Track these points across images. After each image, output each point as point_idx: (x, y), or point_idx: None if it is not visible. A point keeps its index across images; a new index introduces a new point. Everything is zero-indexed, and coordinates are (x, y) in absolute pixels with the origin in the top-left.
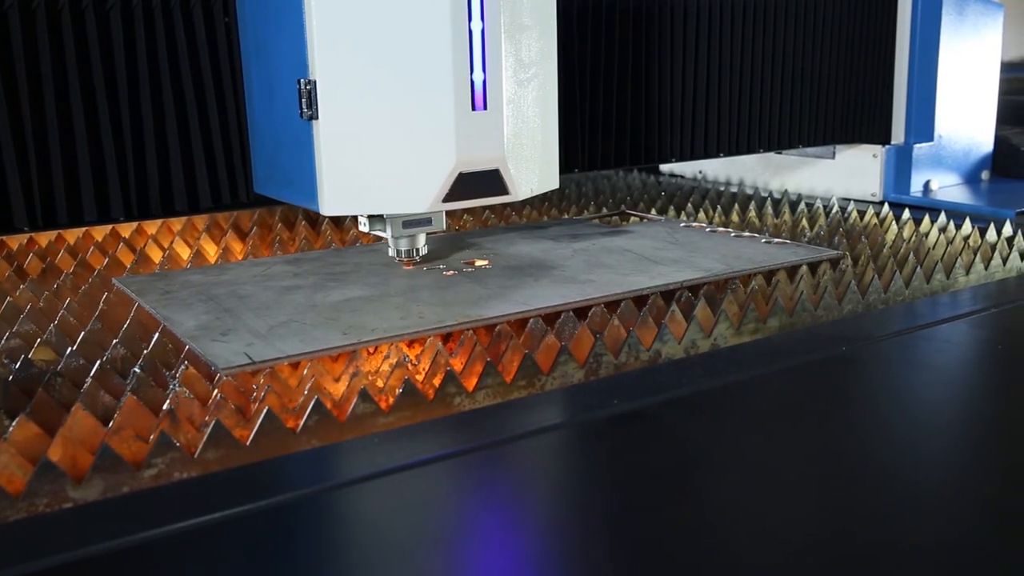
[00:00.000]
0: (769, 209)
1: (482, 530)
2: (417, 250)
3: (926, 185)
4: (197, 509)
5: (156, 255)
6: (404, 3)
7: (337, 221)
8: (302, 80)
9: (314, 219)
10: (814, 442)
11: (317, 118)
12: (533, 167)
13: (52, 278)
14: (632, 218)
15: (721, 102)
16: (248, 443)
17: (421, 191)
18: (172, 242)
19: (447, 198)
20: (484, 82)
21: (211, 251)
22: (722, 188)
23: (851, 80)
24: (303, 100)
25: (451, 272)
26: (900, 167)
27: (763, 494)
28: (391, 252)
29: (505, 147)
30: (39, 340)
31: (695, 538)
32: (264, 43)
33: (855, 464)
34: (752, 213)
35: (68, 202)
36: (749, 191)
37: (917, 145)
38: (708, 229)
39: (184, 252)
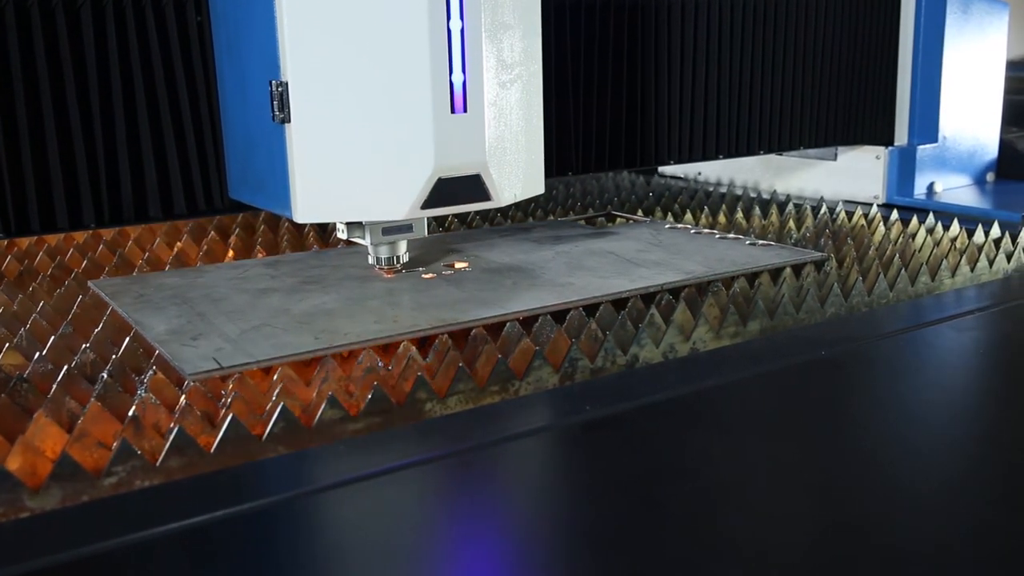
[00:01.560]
0: (757, 211)
1: (450, 539)
2: (398, 258)
3: (930, 187)
4: (157, 518)
5: (137, 257)
6: (380, 1)
7: (321, 224)
8: (274, 81)
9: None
10: (792, 447)
11: (289, 121)
12: (517, 172)
13: (29, 281)
14: (618, 220)
15: (720, 103)
16: (212, 450)
17: (398, 197)
18: (153, 244)
19: (426, 204)
20: (464, 83)
21: (192, 253)
22: (710, 189)
23: (853, 80)
24: (275, 102)
25: (430, 275)
26: (903, 169)
27: (740, 500)
28: (371, 260)
29: (487, 151)
30: (7, 345)
31: (670, 547)
32: (236, 42)
33: (835, 468)
34: (739, 215)
35: (40, 208)
36: (752, 193)
37: (921, 146)
38: (693, 231)
39: (165, 254)
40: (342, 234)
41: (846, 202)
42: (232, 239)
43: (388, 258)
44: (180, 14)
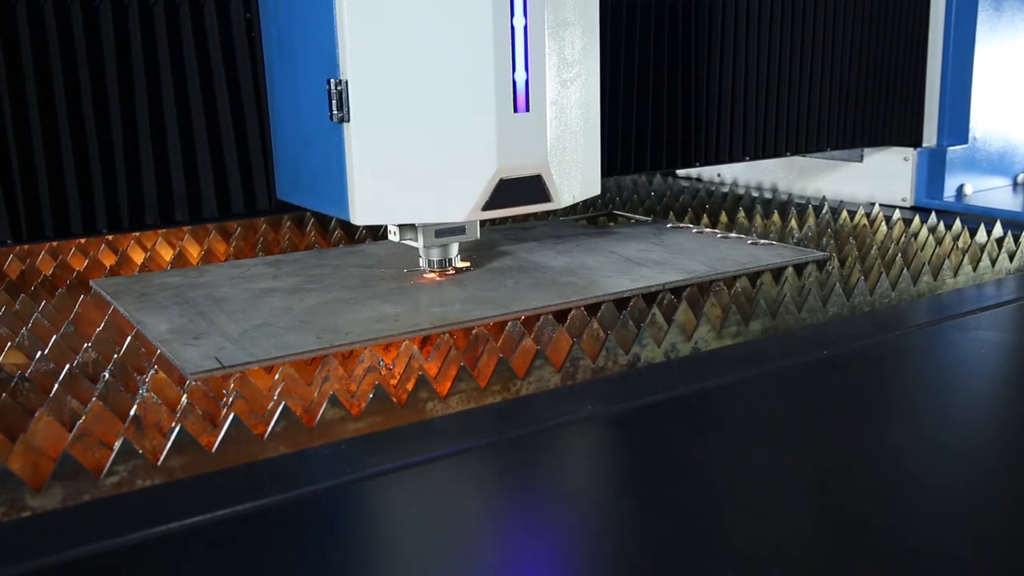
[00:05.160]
0: (759, 210)
1: (450, 539)
2: (450, 260)
3: (959, 189)
4: (158, 518)
5: (138, 256)
6: None
7: (323, 222)
8: (332, 80)
9: (300, 220)
10: (794, 447)
11: (348, 120)
12: (575, 172)
13: (31, 280)
14: (619, 219)
15: (747, 104)
16: (214, 450)
17: (459, 199)
18: (155, 243)
19: (487, 206)
20: (527, 82)
21: (194, 252)
22: (712, 188)
23: (881, 80)
24: (333, 101)
25: (432, 274)
26: (933, 170)
27: (741, 500)
28: (422, 263)
29: (548, 151)
30: (9, 344)
31: (671, 547)
32: (289, 40)
33: (837, 468)
34: (741, 214)
35: (54, 214)
36: (783, 196)
37: (951, 148)
38: (695, 230)
39: (167, 253)
40: (394, 236)
41: (882, 205)
42: (233, 238)
43: (440, 260)
44: (222, 10)
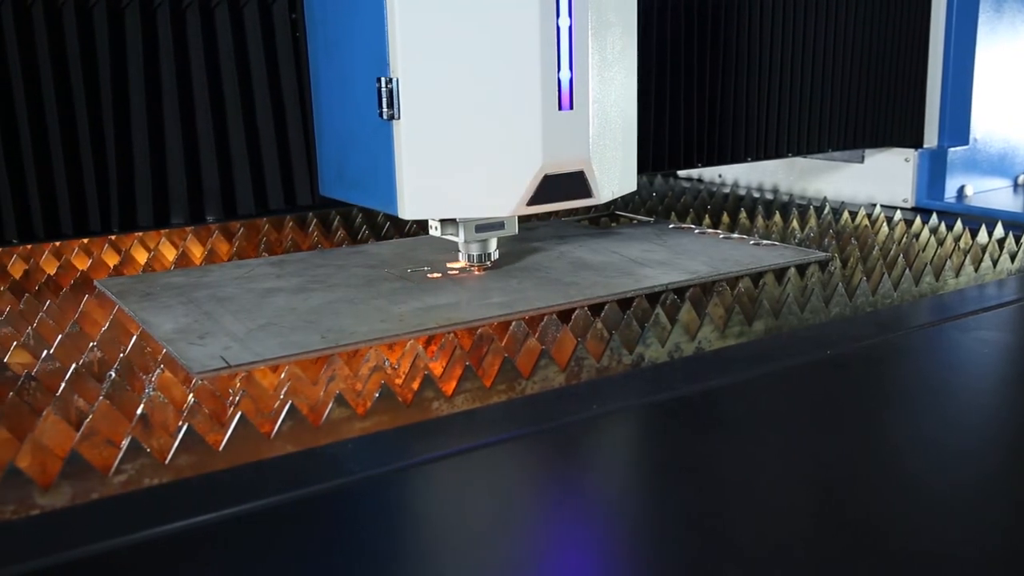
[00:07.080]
0: (761, 211)
1: (453, 537)
2: (489, 255)
3: (960, 190)
4: (166, 516)
5: (142, 256)
6: None
7: (325, 222)
8: (382, 79)
9: (303, 220)
10: (797, 447)
11: (398, 118)
12: (615, 168)
13: (36, 280)
14: (622, 220)
15: (749, 105)
16: (221, 448)
17: (505, 194)
18: (159, 243)
19: (531, 201)
20: (571, 80)
21: (197, 252)
22: (714, 189)
23: (882, 81)
24: (383, 99)
25: (436, 275)
26: (934, 172)
27: (744, 500)
28: (462, 258)
29: (590, 148)
30: (15, 344)
31: (674, 546)
32: (336, 39)
33: (840, 468)
34: (743, 215)
35: (73, 211)
36: (784, 197)
37: (951, 149)
38: (697, 231)
39: (170, 253)
40: (435, 231)
41: (883, 206)
42: (236, 238)
43: (479, 255)
44: (266, 11)
